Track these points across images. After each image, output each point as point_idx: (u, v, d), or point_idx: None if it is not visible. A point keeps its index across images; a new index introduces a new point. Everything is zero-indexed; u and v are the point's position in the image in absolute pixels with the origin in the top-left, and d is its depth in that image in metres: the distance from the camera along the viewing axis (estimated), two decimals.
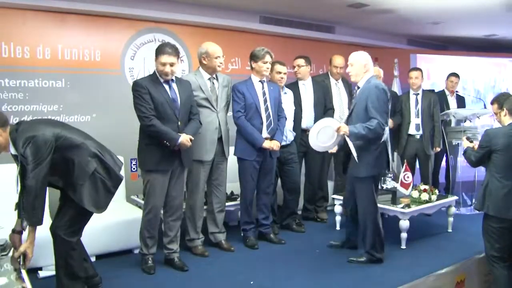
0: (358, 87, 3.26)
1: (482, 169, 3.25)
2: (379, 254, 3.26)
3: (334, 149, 3.66)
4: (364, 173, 3.17)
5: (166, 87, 3.08)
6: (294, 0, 4.84)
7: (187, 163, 3.21)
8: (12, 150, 2.36)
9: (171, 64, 2.99)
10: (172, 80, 3.11)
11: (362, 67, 3.23)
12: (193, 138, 3.10)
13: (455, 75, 5.36)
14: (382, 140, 3.17)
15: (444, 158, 5.34)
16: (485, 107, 5.34)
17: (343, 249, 3.55)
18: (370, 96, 3.10)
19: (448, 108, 5.13)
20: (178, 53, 3.07)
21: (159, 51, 3.01)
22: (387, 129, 3.20)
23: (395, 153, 5.15)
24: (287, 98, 4.02)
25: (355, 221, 3.42)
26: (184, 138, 3.03)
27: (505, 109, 2.93)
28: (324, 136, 3.24)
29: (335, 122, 3.25)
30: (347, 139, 3.15)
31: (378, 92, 3.11)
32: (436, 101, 4.84)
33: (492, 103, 3.18)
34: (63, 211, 2.54)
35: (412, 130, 4.76)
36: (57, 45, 4.20)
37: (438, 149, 4.86)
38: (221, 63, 3.46)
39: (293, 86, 4.28)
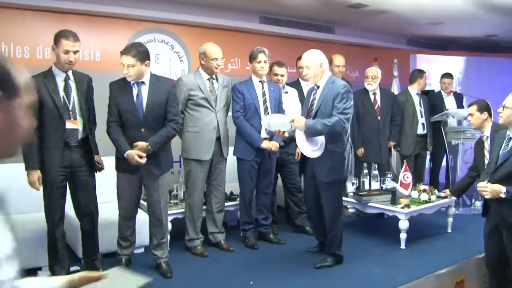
0: (318, 86, 3.19)
1: None
2: (341, 253, 3.28)
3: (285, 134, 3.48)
4: (332, 177, 3.11)
5: (134, 90, 2.94)
6: (294, 0, 4.85)
7: (158, 170, 3.01)
8: None
9: (130, 66, 2.85)
10: (142, 82, 2.93)
11: (318, 67, 3.14)
12: (148, 147, 2.87)
13: (447, 76, 5.33)
14: (349, 142, 3.19)
15: (445, 158, 5.36)
16: None
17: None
18: (337, 97, 3.05)
19: (445, 109, 5.14)
20: (138, 56, 2.84)
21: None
22: (349, 133, 3.19)
23: (394, 153, 5.16)
24: (290, 98, 3.98)
25: (319, 224, 3.38)
26: (131, 154, 2.84)
27: None
28: (279, 123, 3.20)
29: (288, 118, 3.20)
30: (298, 135, 3.09)
31: (345, 93, 3.07)
32: (427, 101, 5.04)
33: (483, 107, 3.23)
34: (82, 190, 2.86)
35: (420, 130, 4.83)
36: None
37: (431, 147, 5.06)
38: (218, 65, 3.42)
39: (295, 85, 4.26)
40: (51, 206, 2.81)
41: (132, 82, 2.91)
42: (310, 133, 3.04)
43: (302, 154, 3.29)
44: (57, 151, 2.73)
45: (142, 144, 2.87)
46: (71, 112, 2.78)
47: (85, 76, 2.92)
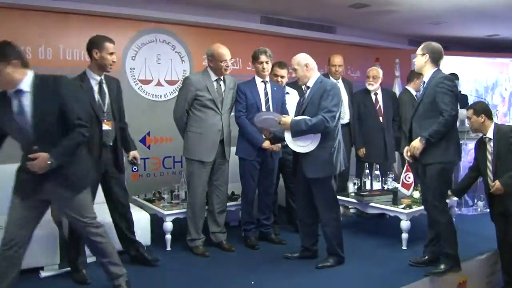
0: (308, 87, 3.21)
1: None
2: (343, 253, 3.26)
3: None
4: (319, 173, 3.08)
5: (15, 102, 2.24)
6: (295, 0, 4.85)
7: (69, 191, 2.38)
8: None
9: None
10: (20, 91, 2.23)
11: (304, 68, 3.17)
12: (50, 161, 2.22)
13: None
14: (338, 138, 3.14)
15: None
16: None
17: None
18: (323, 95, 3.07)
19: None
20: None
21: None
22: (340, 126, 3.18)
23: (396, 153, 5.15)
24: (291, 98, 3.99)
25: (308, 226, 3.35)
26: None
27: None
28: (270, 123, 3.22)
29: (278, 116, 3.21)
30: (286, 136, 3.11)
31: (331, 90, 3.08)
32: None
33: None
34: (116, 185, 3.07)
35: None
36: (58, 45, 4.21)
37: None
38: (227, 66, 3.42)
39: (294, 85, 4.25)
40: None
41: (8, 93, 2.25)
42: (295, 132, 3.07)
43: (294, 153, 3.26)
44: (96, 151, 2.86)
45: (43, 156, 2.21)
46: (105, 114, 2.93)
47: (114, 80, 3.10)
